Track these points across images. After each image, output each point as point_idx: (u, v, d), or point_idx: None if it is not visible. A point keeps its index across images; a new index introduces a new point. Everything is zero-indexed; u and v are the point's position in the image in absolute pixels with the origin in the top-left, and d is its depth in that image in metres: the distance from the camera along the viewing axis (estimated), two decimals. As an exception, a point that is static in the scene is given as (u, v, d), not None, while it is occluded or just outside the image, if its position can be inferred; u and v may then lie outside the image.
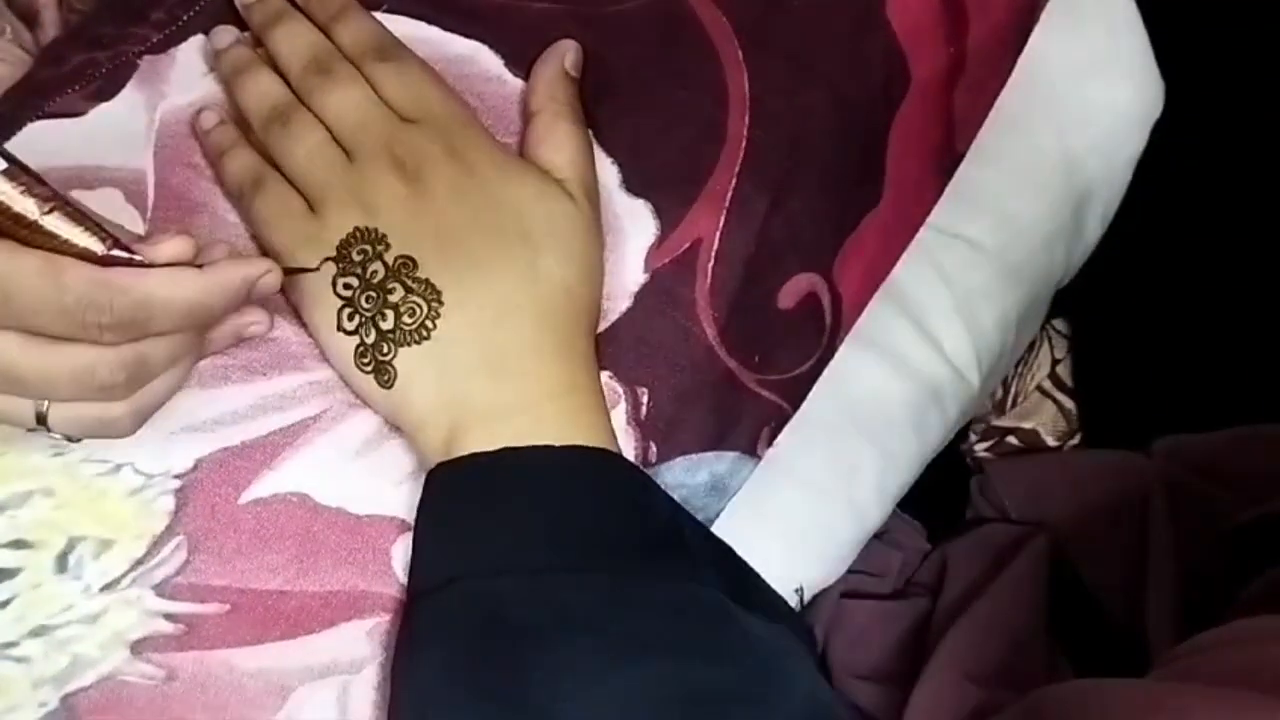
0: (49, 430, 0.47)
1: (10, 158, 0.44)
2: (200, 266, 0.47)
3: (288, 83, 0.55)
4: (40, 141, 0.55)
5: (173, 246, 0.46)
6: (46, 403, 0.47)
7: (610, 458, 0.51)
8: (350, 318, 0.51)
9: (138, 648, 0.51)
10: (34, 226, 0.44)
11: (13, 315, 0.44)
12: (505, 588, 0.47)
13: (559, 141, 0.54)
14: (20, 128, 0.55)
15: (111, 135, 0.56)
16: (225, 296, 0.47)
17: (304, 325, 0.53)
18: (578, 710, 0.44)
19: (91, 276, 0.44)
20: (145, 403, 0.48)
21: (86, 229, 0.45)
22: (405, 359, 0.51)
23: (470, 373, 0.50)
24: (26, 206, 0.44)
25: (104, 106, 0.56)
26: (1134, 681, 0.49)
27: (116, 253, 0.45)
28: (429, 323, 0.50)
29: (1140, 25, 0.73)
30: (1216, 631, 0.49)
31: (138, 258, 0.46)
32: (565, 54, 0.56)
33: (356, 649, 0.51)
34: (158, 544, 0.51)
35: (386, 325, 0.51)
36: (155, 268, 0.46)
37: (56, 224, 0.44)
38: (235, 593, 0.51)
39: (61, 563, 0.51)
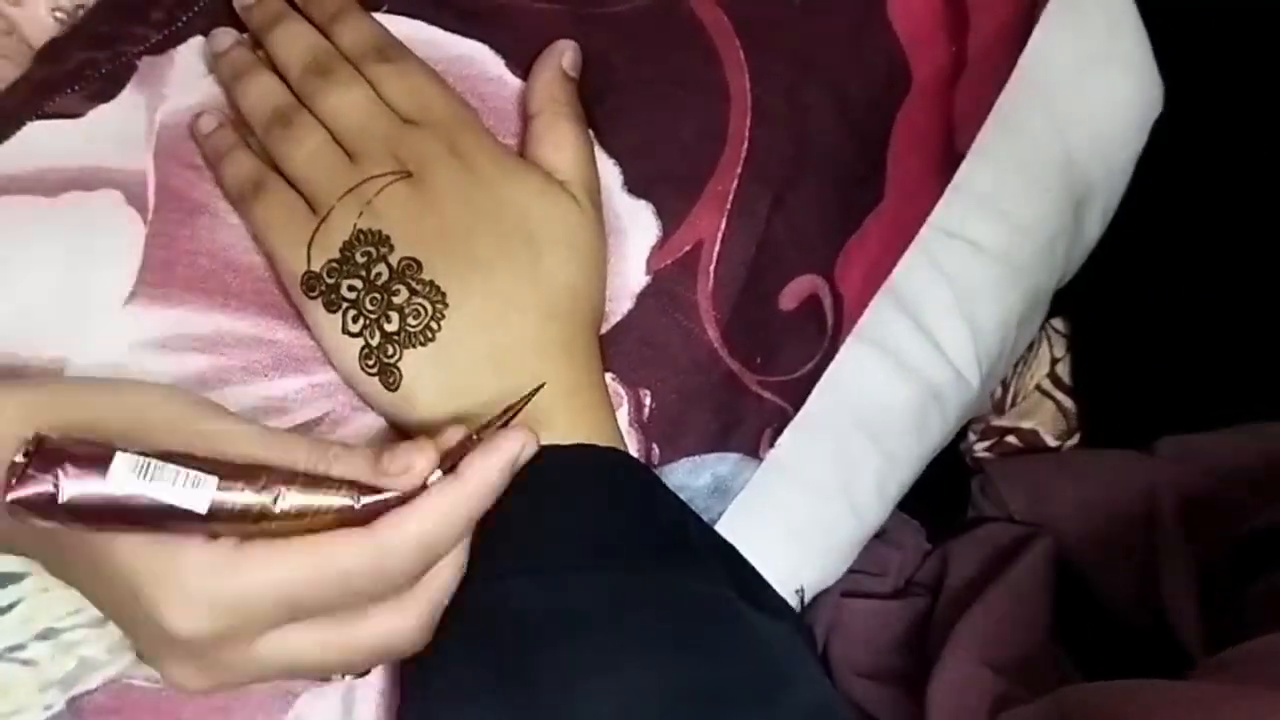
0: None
1: (212, 462, 0.42)
2: (452, 469, 0.45)
3: (288, 85, 0.55)
4: (39, 142, 0.55)
5: (422, 466, 0.44)
6: None
7: (618, 456, 0.51)
8: (354, 320, 0.51)
9: (144, 651, 0.51)
10: (275, 516, 0.42)
11: (304, 614, 0.43)
12: (514, 588, 0.46)
13: (559, 142, 0.54)
14: (19, 127, 0.55)
15: (111, 137, 0.55)
16: (493, 491, 0.46)
17: (307, 328, 0.53)
18: (586, 710, 0.44)
19: (366, 550, 0.43)
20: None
21: (324, 490, 0.43)
22: (410, 360, 0.50)
23: (475, 373, 0.50)
24: (259, 503, 0.42)
25: (104, 108, 0.56)
26: (1182, 683, 0.49)
27: (367, 500, 0.43)
28: (434, 324, 0.50)
29: (1140, 24, 0.73)
30: (1247, 646, 0.48)
31: (390, 496, 0.44)
32: (562, 54, 0.56)
33: (361, 653, 0.51)
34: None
35: (391, 327, 0.51)
36: (417, 496, 0.44)
37: (294, 502, 0.43)
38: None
39: (68, 566, 0.51)
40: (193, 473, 0.42)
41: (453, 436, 0.47)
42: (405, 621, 0.45)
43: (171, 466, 0.41)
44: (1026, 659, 0.64)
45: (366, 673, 0.49)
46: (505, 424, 0.47)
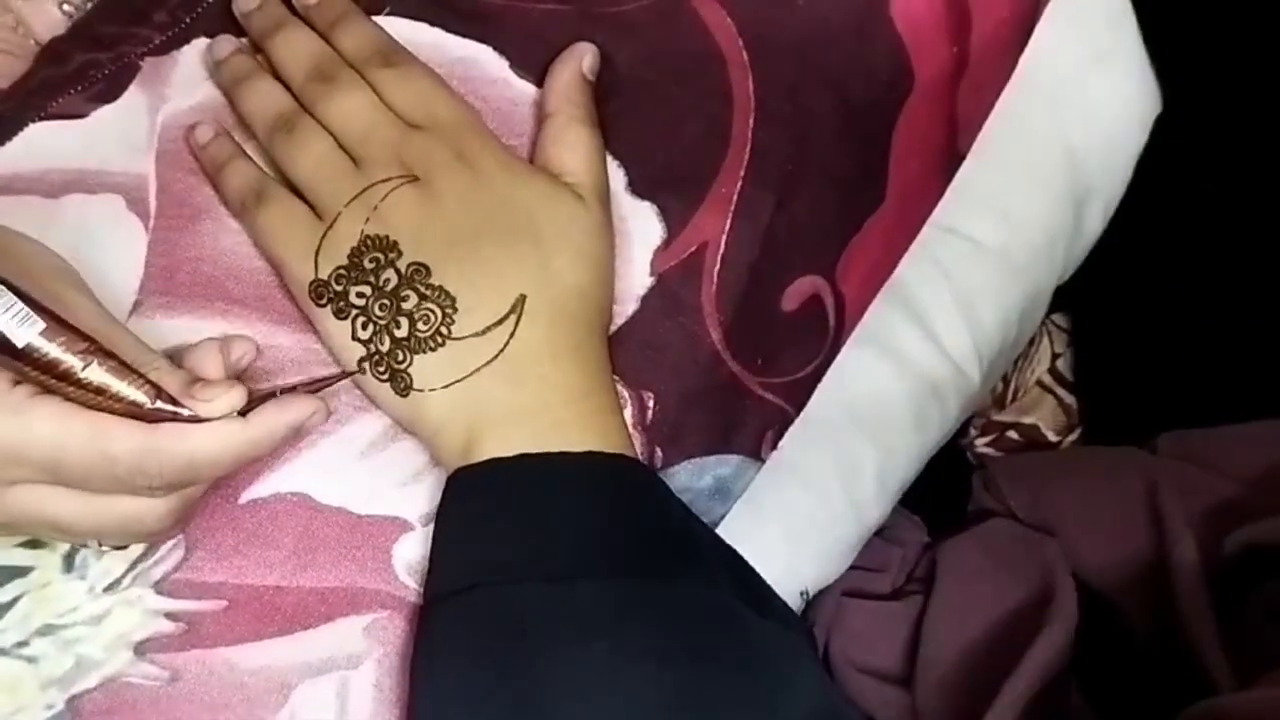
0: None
1: (48, 312, 0.44)
2: (245, 412, 0.47)
3: (290, 91, 0.55)
4: (42, 143, 0.55)
5: (223, 403, 0.47)
6: None
7: (627, 463, 0.51)
8: (364, 326, 0.51)
9: (141, 649, 0.51)
10: (77, 381, 0.45)
11: (63, 478, 0.45)
12: (524, 594, 0.47)
13: (572, 144, 0.54)
14: (22, 128, 0.55)
15: (113, 139, 0.55)
16: (272, 444, 0.48)
17: (310, 332, 0.53)
18: (595, 715, 0.44)
19: (139, 445, 0.45)
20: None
21: (130, 381, 0.45)
22: (420, 366, 0.50)
23: (486, 377, 0.50)
24: (68, 362, 0.44)
25: (106, 109, 0.56)
26: None
27: (161, 406, 0.46)
28: (443, 329, 0.50)
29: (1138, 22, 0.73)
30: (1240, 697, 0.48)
31: (183, 413, 0.46)
32: (583, 57, 0.56)
33: (353, 645, 0.51)
34: (156, 543, 0.52)
35: (401, 333, 0.50)
36: (203, 422, 0.46)
37: (100, 377, 0.45)
38: (232, 588, 0.51)
39: (69, 562, 0.51)
40: (27, 309, 0.44)
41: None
42: (150, 511, 0.47)
43: (11, 295, 0.44)
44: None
45: (124, 547, 0.51)
46: (313, 392, 0.50)
